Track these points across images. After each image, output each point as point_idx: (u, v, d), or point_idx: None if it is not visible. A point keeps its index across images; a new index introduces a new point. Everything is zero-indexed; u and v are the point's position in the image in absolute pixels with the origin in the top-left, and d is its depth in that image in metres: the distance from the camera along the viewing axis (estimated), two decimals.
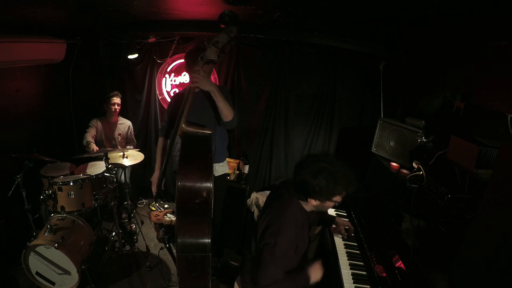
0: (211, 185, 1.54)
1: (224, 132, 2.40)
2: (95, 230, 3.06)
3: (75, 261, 2.33)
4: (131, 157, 3.04)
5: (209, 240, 1.53)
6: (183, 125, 1.79)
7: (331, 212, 2.43)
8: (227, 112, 2.04)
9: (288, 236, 1.54)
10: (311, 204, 1.61)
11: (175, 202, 1.56)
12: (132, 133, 3.68)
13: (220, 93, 1.98)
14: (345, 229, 2.12)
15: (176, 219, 1.60)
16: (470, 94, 1.97)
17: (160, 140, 2.46)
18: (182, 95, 2.18)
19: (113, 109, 3.40)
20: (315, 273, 1.70)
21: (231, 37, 1.77)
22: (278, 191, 1.79)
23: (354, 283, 1.74)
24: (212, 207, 1.59)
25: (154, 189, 2.41)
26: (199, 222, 1.56)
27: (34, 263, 2.36)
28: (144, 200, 4.07)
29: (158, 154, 2.47)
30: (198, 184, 1.53)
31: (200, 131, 1.79)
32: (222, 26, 1.77)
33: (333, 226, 2.17)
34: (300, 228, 1.63)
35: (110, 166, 2.68)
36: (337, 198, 1.59)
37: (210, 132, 1.79)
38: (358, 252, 2.01)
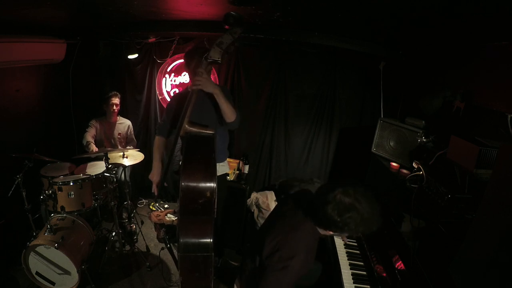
0: (215, 185, 1.54)
1: (225, 131, 2.40)
2: (95, 230, 3.06)
3: (75, 261, 2.33)
4: (131, 157, 3.04)
5: (211, 240, 1.53)
6: (186, 125, 1.79)
7: None
8: (229, 113, 2.02)
9: (299, 260, 1.44)
10: (328, 232, 1.52)
11: (178, 202, 1.56)
12: (132, 132, 3.68)
13: (223, 95, 1.96)
14: None
15: (178, 218, 1.60)
16: (470, 94, 1.97)
17: (157, 139, 2.41)
18: (183, 95, 2.17)
19: (112, 109, 3.40)
20: None
21: (235, 38, 1.76)
22: (292, 208, 1.64)
23: (354, 283, 1.74)
24: (216, 207, 1.59)
25: (154, 187, 2.36)
26: (202, 222, 1.56)
27: (34, 263, 2.36)
28: (144, 200, 4.07)
29: (155, 153, 2.40)
30: (201, 184, 1.53)
31: (203, 131, 1.79)
32: (227, 27, 1.76)
33: None
34: (310, 252, 1.52)
35: (110, 166, 2.68)
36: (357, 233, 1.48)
37: (213, 132, 1.79)
38: (358, 252, 2.02)
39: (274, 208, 1.84)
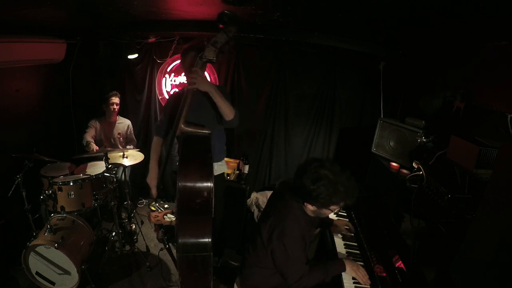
0: (212, 184, 1.54)
1: (222, 131, 2.39)
2: (95, 230, 3.06)
3: (75, 261, 2.33)
4: (131, 157, 3.04)
5: (209, 240, 1.53)
6: (182, 125, 1.78)
7: None
8: (227, 111, 2.01)
9: (294, 235, 1.58)
10: (308, 208, 1.63)
11: (175, 202, 1.56)
12: (132, 132, 3.68)
13: (219, 92, 1.95)
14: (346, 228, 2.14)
15: (176, 219, 1.60)
16: (470, 94, 1.97)
17: (155, 140, 2.38)
18: (180, 95, 2.17)
19: (112, 109, 3.40)
20: (353, 265, 1.75)
21: (230, 37, 1.76)
22: (279, 194, 1.81)
23: (354, 283, 1.74)
24: (213, 206, 1.59)
25: (154, 192, 2.29)
26: (200, 222, 1.56)
27: (34, 263, 2.36)
28: (144, 200, 4.07)
29: (152, 153, 2.35)
30: (198, 184, 1.53)
31: (199, 131, 1.79)
32: (221, 26, 1.76)
33: (334, 226, 2.18)
34: (303, 227, 1.65)
35: (110, 166, 2.68)
36: (334, 207, 1.60)
37: (209, 132, 1.79)
38: (358, 252, 2.01)
39: (267, 200, 1.95)
